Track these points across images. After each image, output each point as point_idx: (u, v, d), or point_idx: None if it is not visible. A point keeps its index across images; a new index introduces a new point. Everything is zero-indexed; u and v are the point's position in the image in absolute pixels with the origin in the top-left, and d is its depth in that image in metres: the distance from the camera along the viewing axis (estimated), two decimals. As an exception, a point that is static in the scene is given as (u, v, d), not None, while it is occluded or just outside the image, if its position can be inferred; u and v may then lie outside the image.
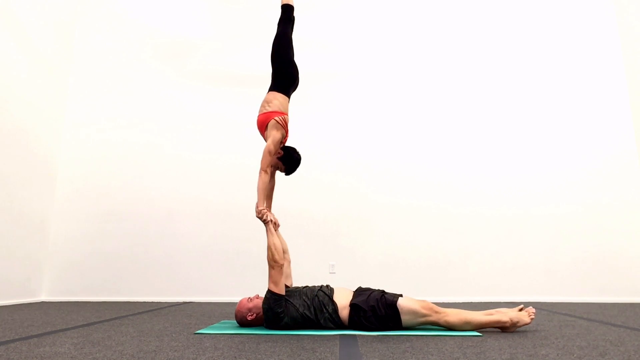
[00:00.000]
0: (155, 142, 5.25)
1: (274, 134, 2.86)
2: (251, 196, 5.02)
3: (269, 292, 2.52)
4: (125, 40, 5.51)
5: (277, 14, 5.75)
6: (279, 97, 3.04)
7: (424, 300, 2.47)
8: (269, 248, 2.60)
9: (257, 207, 2.77)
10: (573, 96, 5.26)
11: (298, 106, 4.59)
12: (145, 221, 5.05)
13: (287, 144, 3.11)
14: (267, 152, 2.83)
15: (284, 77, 3.12)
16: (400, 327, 2.42)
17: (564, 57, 5.36)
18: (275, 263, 2.55)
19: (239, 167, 5.14)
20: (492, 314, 2.48)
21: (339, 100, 5.34)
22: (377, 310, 2.42)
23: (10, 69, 4.46)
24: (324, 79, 4.60)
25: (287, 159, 2.97)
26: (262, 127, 2.98)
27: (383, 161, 5.18)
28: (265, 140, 2.96)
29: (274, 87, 3.10)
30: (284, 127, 2.94)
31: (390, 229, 5.01)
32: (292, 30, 3.35)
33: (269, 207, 3.07)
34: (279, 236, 2.88)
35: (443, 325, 2.42)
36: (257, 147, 5.19)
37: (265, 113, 2.98)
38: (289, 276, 2.89)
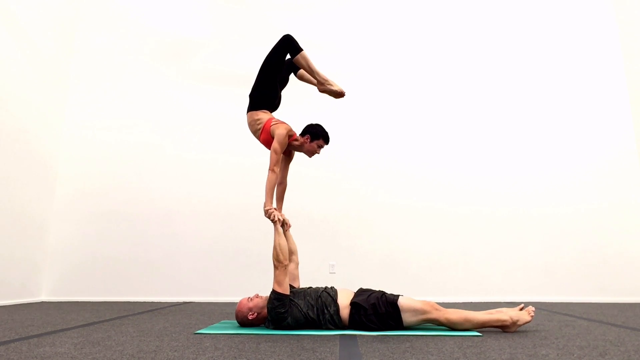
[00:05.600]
0: (156, 142, 5.25)
1: (277, 133, 2.85)
2: (251, 196, 5.06)
3: (273, 292, 2.52)
4: (126, 40, 5.50)
5: (277, 13, 5.72)
6: (259, 113, 3.00)
7: (424, 300, 2.48)
8: (274, 248, 2.61)
9: (264, 206, 2.77)
10: (573, 96, 5.26)
11: (297, 106, 4.60)
12: (145, 221, 5.04)
13: None
14: (273, 151, 2.81)
15: (261, 98, 3.03)
16: (401, 325, 2.42)
17: (564, 58, 5.36)
18: (280, 263, 2.56)
19: (239, 167, 5.14)
20: (492, 314, 2.48)
21: (339, 101, 5.33)
22: (377, 308, 2.41)
23: (10, 68, 4.45)
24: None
25: (315, 134, 2.94)
26: (269, 142, 2.92)
27: (383, 161, 5.18)
28: None
29: (251, 107, 3.03)
30: (282, 122, 2.93)
31: (390, 229, 5.01)
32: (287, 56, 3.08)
33: (280, 208, 3.06)
34: (288, 237, 2.89)
35: (444, 323, 2.42)
36: (257, 147, 5.21)
37: (262, 131, 2.95)
38: (296, 278, 2.89)
